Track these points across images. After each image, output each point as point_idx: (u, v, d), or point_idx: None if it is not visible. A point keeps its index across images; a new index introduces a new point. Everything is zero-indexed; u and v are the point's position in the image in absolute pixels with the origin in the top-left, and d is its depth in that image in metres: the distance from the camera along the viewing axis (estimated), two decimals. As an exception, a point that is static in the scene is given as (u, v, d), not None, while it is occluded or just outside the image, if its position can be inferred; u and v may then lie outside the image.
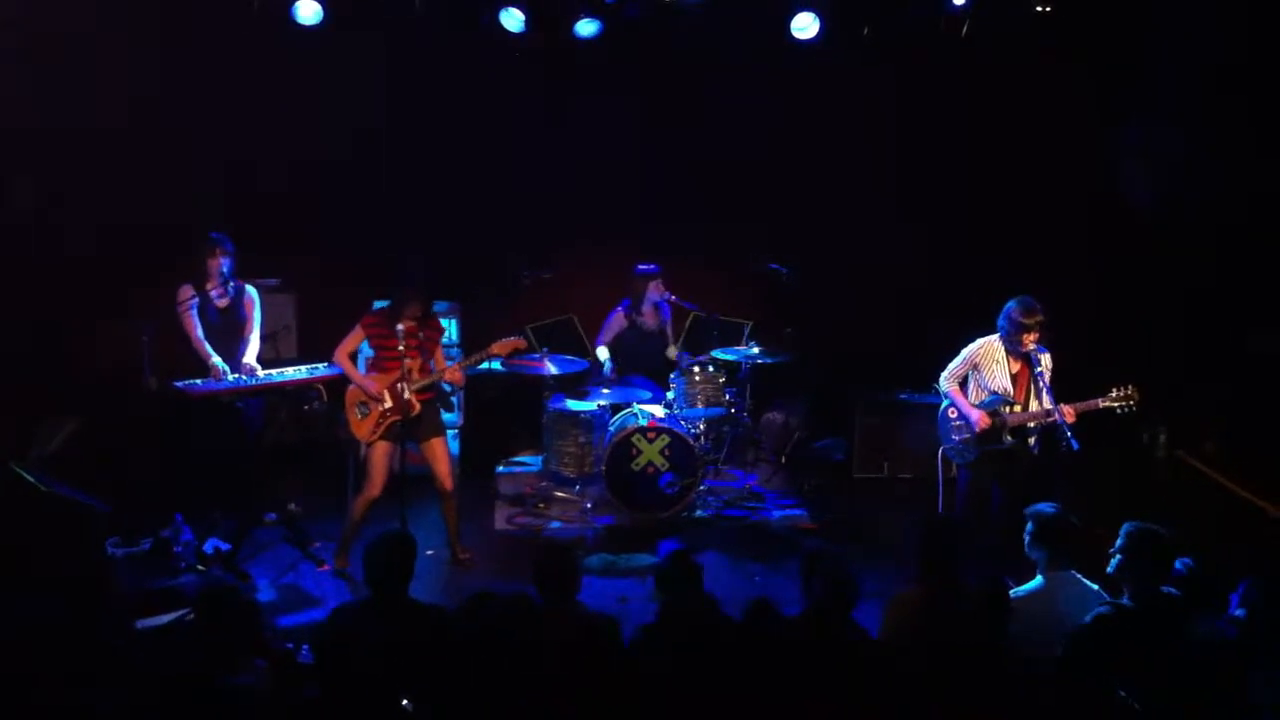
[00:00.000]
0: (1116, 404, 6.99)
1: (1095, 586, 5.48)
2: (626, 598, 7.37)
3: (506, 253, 9.99)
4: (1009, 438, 7.25)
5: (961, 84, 9.85)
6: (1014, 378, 7.28)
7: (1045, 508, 5.63)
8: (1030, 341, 7.10)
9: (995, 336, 7.31)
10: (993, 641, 4.86)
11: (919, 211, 10.15)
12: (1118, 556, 5.25)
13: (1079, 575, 5.52)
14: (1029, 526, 5.60)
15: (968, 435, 7.37)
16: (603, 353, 9.30)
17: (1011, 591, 5.47)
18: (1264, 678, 4.65)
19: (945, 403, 7.55)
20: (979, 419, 7.27)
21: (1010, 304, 7.15)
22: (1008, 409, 7.24)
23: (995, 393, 7.27)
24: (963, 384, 7.48)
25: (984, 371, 7.33)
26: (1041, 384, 7.11)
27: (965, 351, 7.43)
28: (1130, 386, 6.98)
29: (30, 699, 4.47)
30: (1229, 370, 9.15)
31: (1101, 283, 9.74)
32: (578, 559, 5.49)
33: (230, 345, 7.95)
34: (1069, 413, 6.97)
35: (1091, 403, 7.05)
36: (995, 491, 7.41)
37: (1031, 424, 7.23)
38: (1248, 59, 8.88)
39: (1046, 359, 7.21)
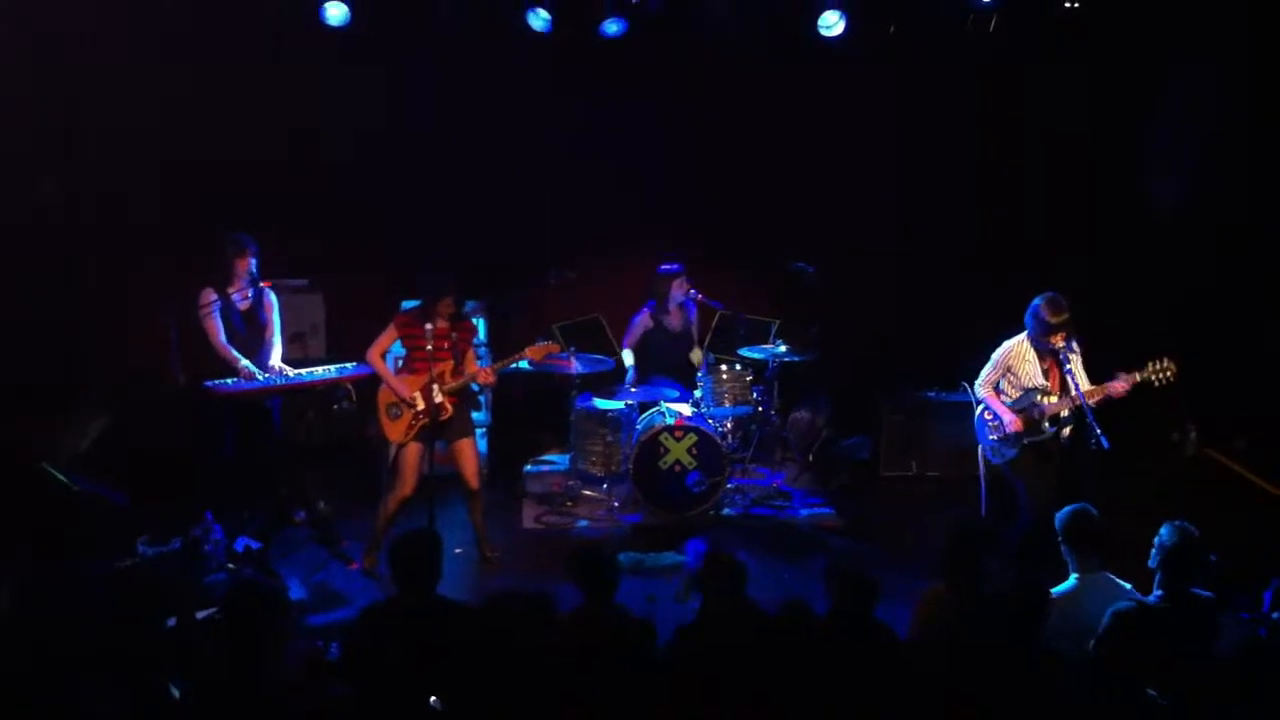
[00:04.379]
0: (1153, 375, 6.93)
1: (1129, 587, 5.47)
2: (654, 596, 7.37)
3: (534, 252, 10.01)
4: (1049, 426, 7.22)
5: (986, 82, 9.80)
6: (1046, 371, 7.24)
7: (1074, 508, 5.62)
8: (1059, 341, 7.07)
9: (1023, 335, 7.27)
10: (1022, 641, 4.85)
11: (945, 210, 10.13)
12: (1155, 552, 5.26)
13: (1112, 576, 5.50)
14: (1057, 527, 5.59)
15: (1004, 434, 7.35)
16: (628, 357, 9.29)
17: (1043, 592, 5.46)
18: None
19: (980, 406, 7.53)
20: (1011, 422, 7.25)
21: (1036, 303, 7.11)
22: (1043, 398, 7.21)
23: (1029, 388, 7.24)
24: (996, 385, 7.46)
25: (1017, 371, 7.30)
26: (1070, 380, 7.08)
27: (996, 356, 7.40)
28: (1166, 359, 6.92)
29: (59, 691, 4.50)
30: (1260, 367, 9.10)
31: (1129, 281, 9.68)
32: (618, 560, 5.47)
33: (254, 347, 7.99)
34: (1089, 393, 6.96)
35: (1130, 377, 6.97)
36: (1020, 488, 7.39)
37: (1066, 412, 7.20)
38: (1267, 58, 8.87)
39: (1076, 354, 7.19)
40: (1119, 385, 6.97)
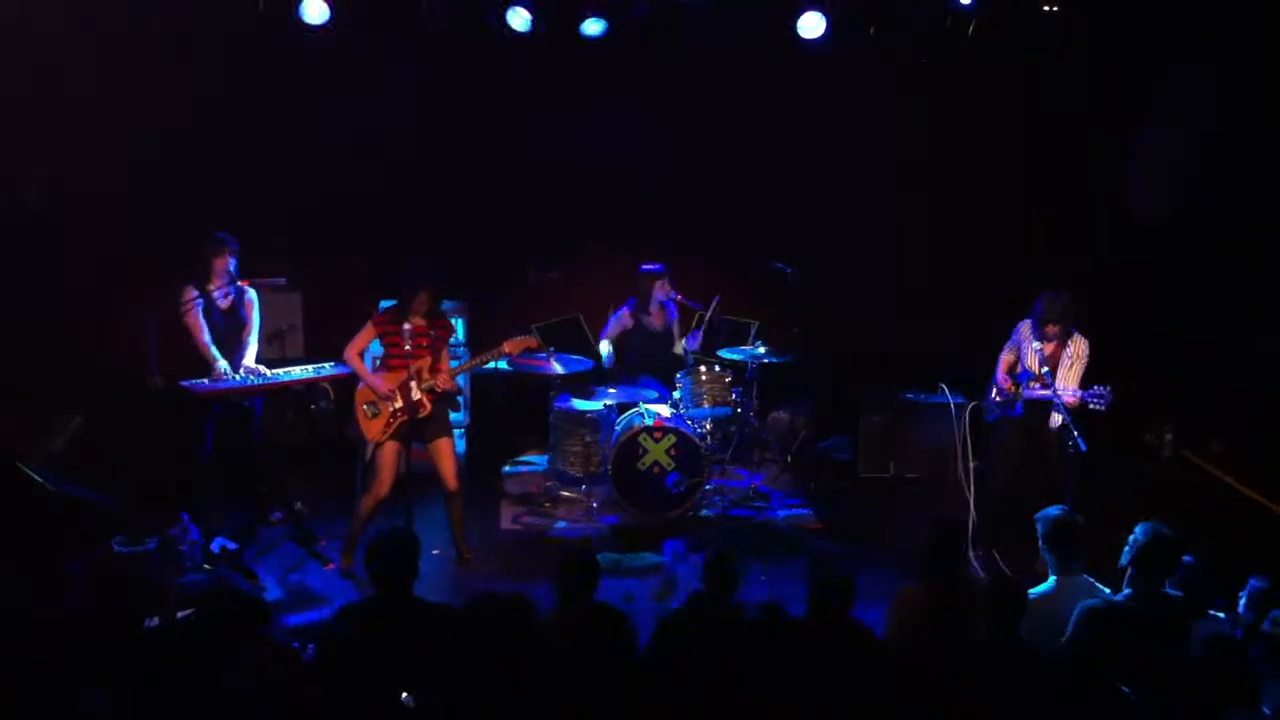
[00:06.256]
0: (1090, 402, 7.29)
1: (1107, 590, 5.49)
2: (632, 596, 7.37)
3: (514, 252, 9.99)
4: (1019, 405, 7.70)
5: (967, 84, 9.82)
6: (1047, 358, 7.63)
7: (1053, 510, 5.65)
8: (1051, 333, 7.50)
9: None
10: (999, 638, 4.86)
11: (925, 211, 10.15)
12: (1129, 550, 5.29)
13: (1091, 579, 5.52)
14: (1039, 529, 5.61)
15: (998, 396, 7.86)
16: (604, 346, 9.25)
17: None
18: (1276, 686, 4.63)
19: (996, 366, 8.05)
20: (1004, 380, 7.87)
21: (1041, 295, 7.56)
22: (1032, 383, 7.61)
23: (1028, 370, 7.64)
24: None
25: (1024, 349, 7.76)
26: (1042, 366, 7.54)
27: (1015, 330, 7.89)
28: (1108, 387, 7.25)
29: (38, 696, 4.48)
30: (1236, 370, 9.14)
31: (1109, 284, 9.70)
32: (598, 565, 5.46)
33: (232, 346, 7.94)
34: (1068, 398, 7.30)
35: (1076, 396, 7.35)
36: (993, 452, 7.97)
37: (1056, 412, 7.55)
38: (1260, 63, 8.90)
39: (1081, 347, 7.59)
40: (1070, 399, 7.34)
